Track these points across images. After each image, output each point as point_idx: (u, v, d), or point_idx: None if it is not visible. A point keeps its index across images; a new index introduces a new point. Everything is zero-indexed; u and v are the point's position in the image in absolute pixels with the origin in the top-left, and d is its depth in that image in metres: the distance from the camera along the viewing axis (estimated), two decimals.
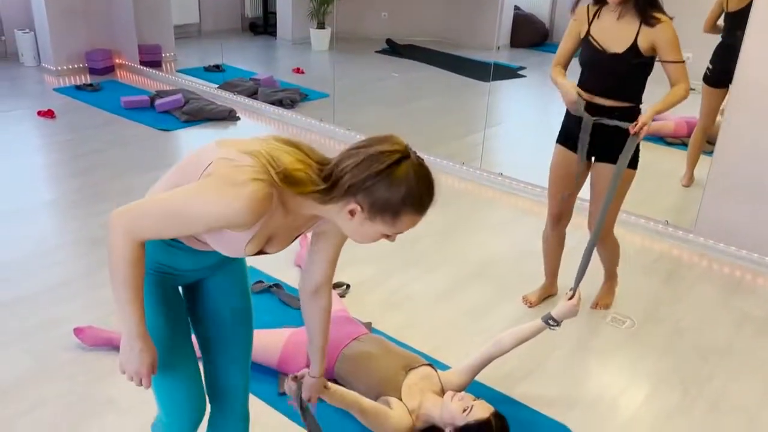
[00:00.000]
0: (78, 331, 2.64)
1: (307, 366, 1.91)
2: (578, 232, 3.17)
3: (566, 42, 2.77)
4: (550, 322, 2.41)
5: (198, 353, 1.68)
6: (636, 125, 2.56)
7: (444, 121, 5.87)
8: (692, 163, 4.49)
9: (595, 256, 2.69)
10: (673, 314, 3.14)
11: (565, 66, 2.80)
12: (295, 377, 1.92)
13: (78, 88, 6.08)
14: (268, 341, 2.50)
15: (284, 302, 3.00)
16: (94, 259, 3.26)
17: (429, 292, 3.20)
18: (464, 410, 2.13)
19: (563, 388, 2.61)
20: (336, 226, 1.44)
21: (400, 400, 2.25)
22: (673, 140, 5.11)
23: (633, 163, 2.70)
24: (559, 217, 2.99)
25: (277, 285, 3.10)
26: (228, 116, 5.49)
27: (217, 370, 1.71)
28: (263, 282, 3.11)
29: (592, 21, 2.66)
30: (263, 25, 8.86)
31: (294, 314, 2.83)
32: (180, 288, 1.64)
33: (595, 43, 2.64)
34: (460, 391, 2.31)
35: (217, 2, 8.51)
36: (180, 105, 5.51)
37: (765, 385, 2.69)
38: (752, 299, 3.31)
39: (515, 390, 2.56)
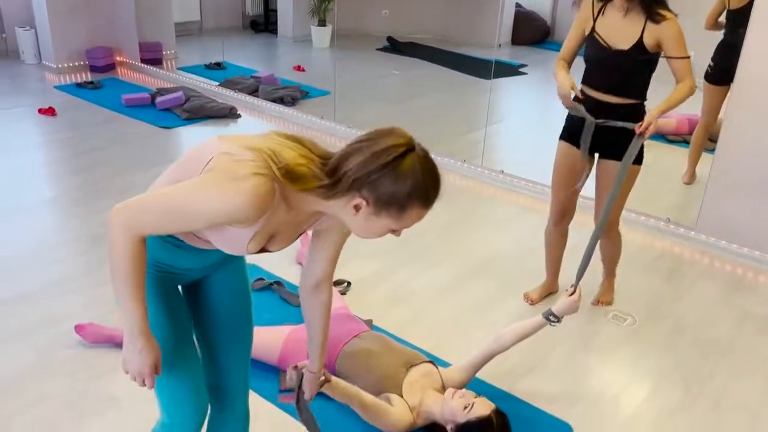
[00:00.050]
0: (79, 328, 2.64)
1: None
2: (580, 230, 3.16)
3: (571, 37, 2.76)
4: (551, 318, 2.41)
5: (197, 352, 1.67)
6: (641, 125, 2.55)
7: (445, 118, 5.87)
8: (694, 161, 4.48)
9: (597, 252, 2.69)
10: (675, 312, 3.14)
11: (570, 61, 2.79)
12: (296, 366, 1.91)
13: (79, 85, 6.08)
14: (269, 338, 2.50)
15: (285, 300, 3.00)
16: (95, 257, 3.26)
17: (430, 290, 3.20)
18: (465, 407, 2.13)
19: (565, 385, 2.61)
20: (338, 222, 1.42)
21: (401, 397, 2.25)
22: (675, 138, 5.10)
23: (638, 159, 2.70)
24: (563, 215, 2.98)
25: (278, 282, 3.10)
26: (229, 114, 5.49)
27: (218, 369, 1.70)
28: (264, 279, 3.11)
29: (596, 17, 2.65)
30: (264, 23, 8.85)
31: (294, 311, 2.82)
32: (180, 288, 1.63)
33: (600, 40, 2.64)
34: (461, 388, 2.31)
35: (218, 0, 8.51)
36: (181, 103, 5.50)
37: (766, 382, 2.69)
38: (754, 297, 3.31)
39: (516, 387, 2.56)
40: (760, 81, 3.37)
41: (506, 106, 6.67)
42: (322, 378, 2.01)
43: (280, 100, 5.80)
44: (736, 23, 3.98)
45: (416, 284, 3.23)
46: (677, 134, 5.10)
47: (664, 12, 2.53)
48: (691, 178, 4.51)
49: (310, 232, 1.61)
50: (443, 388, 2.31)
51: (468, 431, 2.12)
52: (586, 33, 2.70)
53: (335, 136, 5.15)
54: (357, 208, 1.31)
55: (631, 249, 3.10)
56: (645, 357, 2.81)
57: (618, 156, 2.66)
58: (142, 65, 6.65)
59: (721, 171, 3.61)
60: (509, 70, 7.35)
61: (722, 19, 4.19)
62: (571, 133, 2.81)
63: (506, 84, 6.98)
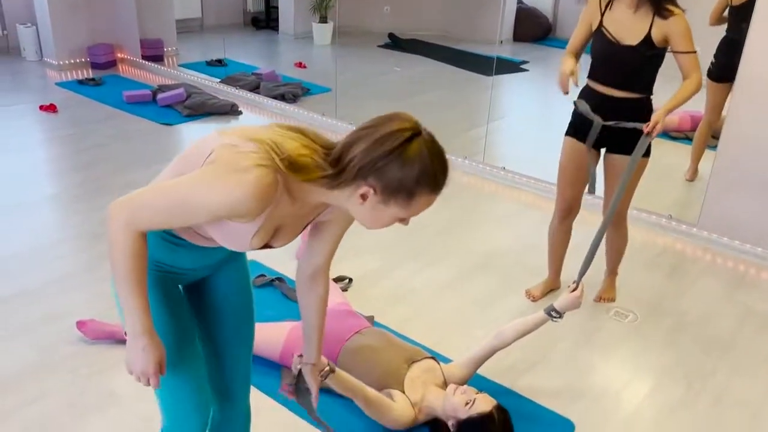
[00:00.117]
0: (80, 325, 2.64)
1: None
2: (583, 228, 3.15)
3: (578, 32, 2.76)
4: (553, 314, 2.41)
5: None
6: (649, 125, 2.56)
7: (447, 115, 5.85)
8: (697, 158, 4.48)
9: (600, 250, 2.69)
10: (677, 309, 3.13)
11: (578, 56, 2.79)
12: (301, 355, 1.90)
13: (80, 82, 6.08)
14: (270, 335, 2.50)
15: (286, 296, 2.99)
16: (96, 253, 3.26)
17: (432, 286, 3.19)
18: (467, 403, 2.13)
19: (566, 381, 2.61)
20: (340, 214, 1.40)
21: (403, 392, 2.25)
22: (677, 134, 5.09)
23: (646, 152, 2.71)
24: (568, 211, 2.98)
25: (280, 279, 3.10)
26: (230, 111, 5.48)
27: (221, 367, 1.68)
28: (265, 276, 3.11)
29: (604, 12, 2.65)
30: (265, 20, 8.85)
31: (296, 308, 2.76)
32: (181, 288, 1.60)
33: (608, 35, 2.64)
34: (462, 384, 2.31)
35: None
36: (182, 99, 5.50)
37: None
38: (756, 293, 3.30)
39: (518, 383, 2.56)
40: (762, 78, 3.36)
41: (508, 102, 6.66)
42: (327, 368, 2.00)
43: (282, 97, 5.80)
44: (738, 19, 3.97)
45: (418, 281, 3.23)
46: (680, 131, 5.09)
47: (672, 7, 2.55)
48: (693, 174, 4.50)
49: (308, 227, 1.59)
50: (445, 384, 2.31)
51: (469, 427, 2.11)
52: (594, 28, 2.69)
53: (336, 133, 5.15)
54: (364, 197, 1.27)
55: (633, 246, 3.10)
56: (647, 353, 2.81)
57: (625, 150, 2.68)
58: (144, 62, 6.65)
59: (723, 168, 3.60)
60: (511, 66, 7.34)
61: (726, 14, 4.19)
62: (577, 128, 2.81)
63: (508, 81, 6.97)
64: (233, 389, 1.73)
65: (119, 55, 6.76)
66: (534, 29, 8.48)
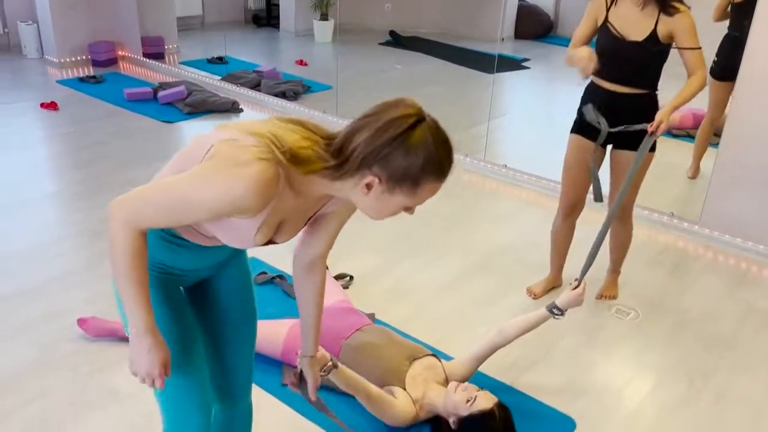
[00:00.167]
0: (81, 322, 2.64)
1: None
2: (586, 227, 3.15)
3: (584, 26, 2.75)
4: (555, 311, 2.40)
5: None
6: (653, 125, 2.57)
7: (448, 112, 5.78)
8: (699, 155, 4.47)
9: (603, 247, 2.69)
10: (678, 306, 3.13)
11: None
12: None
13: (81, 80, 6.07)
14: (272, 332, 2.50)
15: (287, 293, 2.99)
16: (97, 251, 3.26)
17: (433, 283, 3.19)
18: (468, 400, 2.12)
19: (568, 378, 2.61)
20: (342, 207, 1.38)
21: (405, 390, 2.25)
22: (679, 132, 5.08)
23: (651, 147, 2.71)
24: (572, 209, 2.98)
25: (281, 276, 3.10)
26: (231, 108, 5.47)
27: (223, 368, 1.67)
28: (266, 273, 3.11)
29: (609, 8, 2.65)
30: (266, 17, 8.84)
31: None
32: (182, 289, 1.57)
33: (613, 31, 2.64)
34: (464, 381, 2.31)
35: None
36: (183, 97, 5.49)
37: None
38: (758, 291, 3.29)
39: (519, 380, 2.55)
40: (764, 76, 3.35)
41: (509, 100, 6.65)
42: (330, 364, 2.00)
43: (282, 95, 5.79)
44: (740, 16, 3.96)
45: (419, 278, 3.23)
46: (681, 128, 5.09)
47: (677, 5, 2.56)
48: (695, 172, 4.49)
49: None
50: (446, 382, 2.31)
51: (470, 424, 2.11)
52: (599, 23, 2.69)
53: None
54: (369, 186, 1.25)
55: (635, 243, 3.10)
56: (648, 351, 2.81)
57: (631, 146, 2.69)
58: (145, 59, 6.64)
59: (725, 165, 3.59)
60: (512, 64, 7.33)
61: (729, 11, 4.17)
62: (582, 126, 2.81)
63: (509, 78, 6.96)
64: (235, 388, 1.71)
65: (120, 52, 6.76)
66: (535, 27, 8.47)
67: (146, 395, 2.02)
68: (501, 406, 2.15)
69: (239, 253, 1.61)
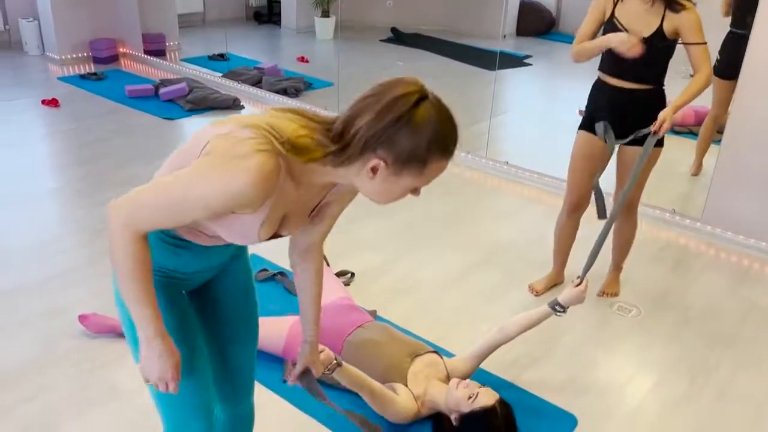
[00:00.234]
0: (82, 319, 2.64)
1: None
2: (589, 225, 3.14)
3: (590, 21, 2.73)
4: (557, 308, 2.40)
5: None
6: (656, 124, 2.60)
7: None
8: (702, 152, 4.46)
9: (605, 244, 2.68)
10: (680, 303, 3.12)
11: None
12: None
13: (82, 77, 6.07)
14: (273, 329, 2.49)
15: (289, 290, 2.99)
16: (99, 248, 3.25)
17: (435, 280, 3.19)
18: (469, 397, 2.12)
19: (569, 375, 2.60)
20: (344, 192, 1.34)
21: (406, 386, 2.25)
22: (681, 129, 5.07)
23: (659, 142, 2.71)
24: (578, 205, 2.97)
25: (282, 273, 3.09)
26: (232, 105, 5.47)
27: (226, 369, 1.65)
28: (267, 270, 3.10)
29: (616, 4, 2.65)
30: (267, 14, 8.83)
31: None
32: (184, 293, 1.54)
33: (620, 26, 2.64)
34: (465, 378, 2.30)
35: None
36: (184, 94, 5.49)
37: None
38: (760, 288, 3.29)
39: (521, 377, 2.55)
40: (767, 73, 3.33)
41: (511, 97, 6.64)
42: (334, 362, 2.00)
43: (284, 92, 5.78)
44: (744, 12, 3.94)
45: (420, 275, 3.22)
46: (683, 125, 5.07)
47: (683, 2, 2.56)
48: (698, 169, 4.48)
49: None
50: (448, 379, 2.30)
51: (472, 421, 2.11)
52: (605, 18, 2.69)
53: None
54: (374, 170, 1.20)
55: (637, 240, 3.09)
56: (650, 348, 2.80)
57: (637, 142, 2.69)
58: (146, 56, 6.64)
59: (728, 162, 3.58)
60: (514, 61, 7.32)
61: (731, 8, 4.16)
62: (591, 122, 2.81)
63: (511, 75, 6.95)
64: (238, 389, 1.70)
65: (121, 49, 6.75)
66: (537, 23, 8.45)
67: (147, 392, 2.03)
68: (502, 403, 2.15)
69: (241, 254, 1.59)
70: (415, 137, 1.17)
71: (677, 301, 3.13)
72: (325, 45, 8.02)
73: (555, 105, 6.44)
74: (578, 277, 2.48)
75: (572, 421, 2.35)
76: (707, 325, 2.96)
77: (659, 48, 2.61)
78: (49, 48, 6.49)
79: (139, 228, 1.23)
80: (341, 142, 1.20)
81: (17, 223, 3.50)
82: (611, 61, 2.69)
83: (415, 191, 1.27)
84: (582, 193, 2.94)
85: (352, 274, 3.14)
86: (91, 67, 6.39)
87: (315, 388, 1.75)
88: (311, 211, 1.38)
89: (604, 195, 2.77)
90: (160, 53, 6.76)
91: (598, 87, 2.78)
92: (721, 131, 3.97)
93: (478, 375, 2.42)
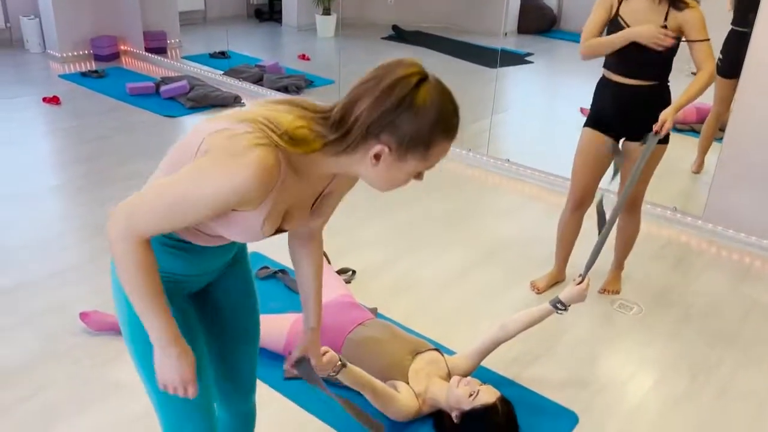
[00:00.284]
0: (83, 316, 2.64)
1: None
2: (593, 221, 3.13)
3: (597, 18, 2.71)
4: (558, 306, 2.40)
5: None
6: (657, 124, 2.60)
7: None
8: (704, 150, 4.45)
9: (608, 243, 2.68)
10: (682, 301, 3.12)
11: None
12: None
13: (83, 74, 6.07)
14: (274, 327, 2.49)
15: (289, 288, 2.99)
16: (100, 245, 3.25)
17: (436, 278, 3.19)
18: (470, 395, 2.12)
19: (571, 373, 2.60)
20: (344, 181, 1.32)
21: (407, 384, 2.25)
22: (683, 126, 5.07)
23: (664, 139, 2.72)
24: (581, 202, 2.97)
25: (283, 271, 3.09)
26: (233, 103, 5.47)
27: (228, 371, 1.63)
28: (269, 268, 3.10)
29: (620, 2, 2.66)
30: (269, 12, 8.83)
31: (299, 300, 2.81)
32: (186, 296, 1.52)
33: (624, 24, 2.65)
34: (466, 375, 2.30)
35: None
36: (185, 91, 5.49)
37: None
38: (761, 286, 3.28)
39: (522, 375, 2.55)
40: None
41: (512, 95, 6.63)
42: (339, 363, 1.99)
43: (285, 89, 5.78)
44: (745, 9, 3.94)
45: (421, 273, 3.22)
46: (685, 123, 5.07)
47: (687, 0, 2.57)
48: (699, 167, 4.48)
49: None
50: (449, 376, 2.30)
51: (472, 419, 2.11)
52: (610, 16, 2.69)
53: None
54: (377, 157, 1.17)
55: (639, 237, 3.09)
56: (651, 346, 2.80)
57: (642, 139, 2.70)
58: (147, 54, 6.64)
59: (729, 160, 3.58)
60: (515, 58, 7.31)
61: (733, 5, 4.15)
62: (596, 120, 2.82)
63: (512, 73, 6.94)
64: (239, 388, 1.68)
65: (122, 47, 6.75)
66: (538, 21, 8.44)
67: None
68: (503, 400, 2.15)
69: (241, 254, 1.58)
70: (418, 120, 1.14)
71: (678, 299, 3.13)
72: (326, 43, 8.01)
73: (556, 103, 6.44)
74: (580, 275, 2.48)
75: (573, 418, 2.35)
76: (708, 323, 2.96)
77: (663, 45, 2.60)
78: (50, 45, 6.49)
79: (141, 233, 1.20)
80: (341, 130, 1.17)
81: (18, 221, 3.51)
82: (616, 58, 2.70)
83: (419, 176, 1.24)
84: (586, 190, 2.93)
85: (354, 272, 3.14)
86: (92, 65, 6.39)
87: (312, 376, 1.71)
88: (313, 204, 1.36)
89: (606, 194, 2.76)
90: (161, 51, 6.76)
91: (604, 84, 2.79)
92: (722, 129, 3.97)
93: (479, 372, 2.42)
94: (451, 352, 2.53)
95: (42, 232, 3.39)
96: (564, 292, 2.42)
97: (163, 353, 1.29)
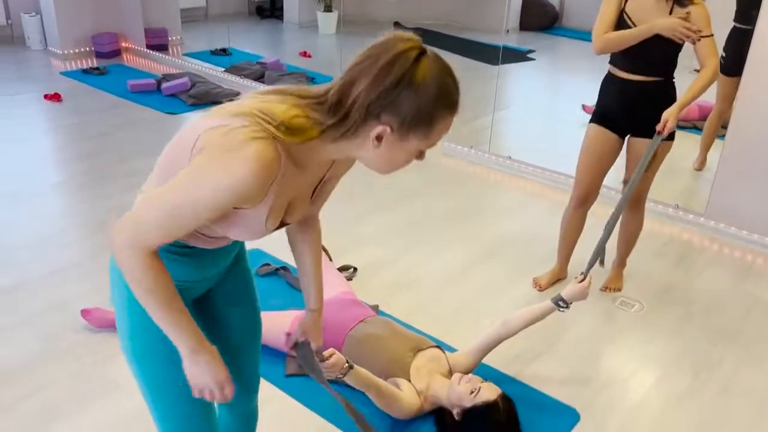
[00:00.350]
0: (85, 313, 2.64)
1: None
2: (595, 219, 3.13)
3: (608, 12, 2.68)
4: (560, 303, 2.39)
5: None
6: (659, 124, 2.62)
7: None
8: (706, 147, 4.45)
9: (611, 242, 2.67)
10: (684, 298, 3.11)
11: None
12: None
13: (84, 71, 6.07)
14: (276, 323, 2.49)
15: (291, 285, 2.98)
16: (101, 242, 3.25)
17: (437, 275, 3.18)
18: (471, 392, 2.12)
19: (572, 370, 2.60)
20: (341, 166, 1.30)
21: (409, 381, 2.25)
22: (685, 123, 5.05)
23: (670, 136, 2.72)
24: (584, 199, 2.96)
25: (284, 268, 3.09)
26: (234, 100, 5.45)
27: (230, 372, 1.64)
28: (270, 265, 3.10)
29: None
30: (270, 9, 8.82)
31: (301, 297, 2.79)
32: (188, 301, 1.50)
33: (629, 21, 2.65)
34: (468, 372, 2.30)
35: None
36: (186, 88, 5.48)
37: None
38: (763, 283, 3.28)
39: (524, 372, 2.55)
40: None
41: (514, 92, 6.62)
42: (346, 365, 1.99)
43: None
44: (748, 6, 3.92)
45: (423, 270, 3.22)
46: (687, 120, 5.06)
47: None
48: (702, 164, 4.47)
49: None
50: (450, 373, 2.30)
51: (474, 416, 2.11)
52: (618, 10, 2.69)
53: None
54: (379, 138, 1.13)
55: (640, 235, 3.08)
56: (653, 343, 2.80)
57: (648, 134, 2.70)
58: (148, 51, 6.63)
59: (731, 157, 3.57)
60: (517, 55, 7.29)
61: (735, 3, 4.14)
62: (602, 116, 2.82)
63: (514, 70, 6.93)
64: (243, 391, 1.66)
65: (124, 44, 6.74)
66: (540, 18, 8.42)
67: None
68: (505, 397, 2.14)
69: (240, 254, 1.57)
70: (420, 96, 1.10)
71: (680, 297, 3.12)
72: (328, 40, 8.00)
73: (558, 100, 6.43)
74: (582, 273, 2.48)
75: (575, 415, 2.35)
76: (710, 321, 2.95)
77: (667, 40, 2.59)
78: (51, 43, 6.49)
79: (148, 246, 1.16)
80: (339, 113, 1.13)
81: (20, 218, 3.51)
82: (621, 55, 2.70)
83: (421, 155, 1.21)
84: (590, 187, 2.93)
85: (355, 269, 3.13)
86: (93, 62, 6.39)
87: (309, 360, 1.68)
88: (312, 193, 1.34)
89: (607, 191, 2.76)
90: (162, 48, 6.75)
91: (609, 80, 2.80)
92: (725, 126, 3.96)
93: (480, 369, 2.41)
94: (452, 349, 2.53)
95: (43, 230, 3.39)
96: (566, 290, 2.42)
97: (193, 361, 1.27)
